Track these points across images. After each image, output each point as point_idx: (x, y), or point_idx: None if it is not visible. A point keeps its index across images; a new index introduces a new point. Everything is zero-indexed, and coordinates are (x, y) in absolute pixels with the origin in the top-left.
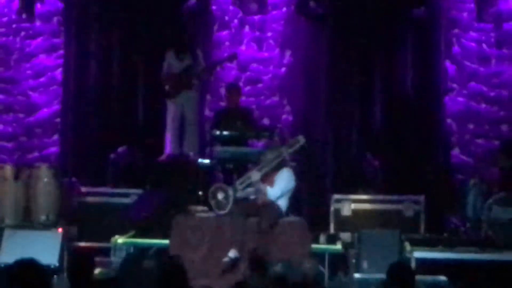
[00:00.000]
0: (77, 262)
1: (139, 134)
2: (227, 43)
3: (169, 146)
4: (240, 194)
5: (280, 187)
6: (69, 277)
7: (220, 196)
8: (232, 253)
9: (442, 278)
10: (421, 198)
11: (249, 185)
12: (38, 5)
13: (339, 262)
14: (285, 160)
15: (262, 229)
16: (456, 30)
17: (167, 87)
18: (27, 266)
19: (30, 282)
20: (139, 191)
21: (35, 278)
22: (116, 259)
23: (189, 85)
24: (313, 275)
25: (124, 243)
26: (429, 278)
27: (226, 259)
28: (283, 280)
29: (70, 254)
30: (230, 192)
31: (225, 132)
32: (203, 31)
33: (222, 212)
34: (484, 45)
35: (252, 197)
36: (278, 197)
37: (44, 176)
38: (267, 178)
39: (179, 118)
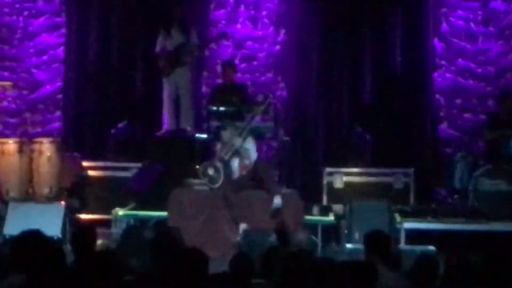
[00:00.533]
0: (80, 234)
1: (138, 109)
2: (223, 22)
3: (166, 122)
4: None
5: (254, 149)
6: (73, 248)
7: (211, 171)
8: (243, 227)
9: (431, 247)
10: (411, 170)
11: (234, 153)
12: None
13: (331, 233)
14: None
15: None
16: (444, 9)
17: (161, 65)
18: (32, 238)
19: (35, 253)
20: (138, 165)
21: (40, 249)
22: (117, 230)
23: (182, 62)
24: (306, 245)
25: (124, 215)
26: (418, 247)
27: (238, 238)
28: (277, 249)
29: (72, 226)
30: (219, 164)
31: (221, 108)
32: (200, 10)
33: (216, 185)
34: (471, 23)
35: (238, 170)
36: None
37: (47, 151)
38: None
39: (174, 95)
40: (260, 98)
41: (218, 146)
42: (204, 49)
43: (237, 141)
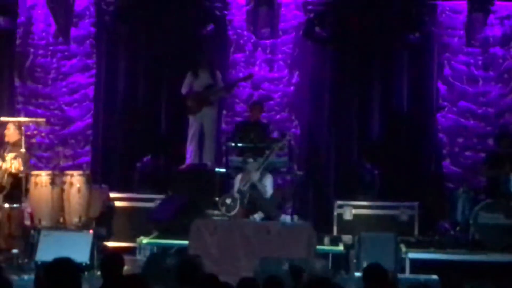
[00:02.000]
0: (109, 260)
1: (162, 145)
2: (242, 64)
3: (189, 157)
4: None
5: (271, 186)
6: (102, 274)
7: (228, 201)
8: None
9: (434, 277)
10: (415, 204)
11: (251, 185)
12: (73, 30)
13: (341, 262)
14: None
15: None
16: (447, 54)
17: (189, 104)
18: (63, 264)
19: (65, 279)
20: (162, 196)
21: (69, 275)
22: (141, 257)
23: (209, 102)
24: (323, 273)
25: (148, 243)
26: (422, 277)
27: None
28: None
29: (99, 253)
30: (236, 195)
31: (239, 144)
32: (221, 53)
33: (232, 213)
34: (472, 68)
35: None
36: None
37: (77, 183)
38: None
39: (199, 132)
40: (276, 134)
41: (238, 178)
42: (232, 90)
43: (255, 176)
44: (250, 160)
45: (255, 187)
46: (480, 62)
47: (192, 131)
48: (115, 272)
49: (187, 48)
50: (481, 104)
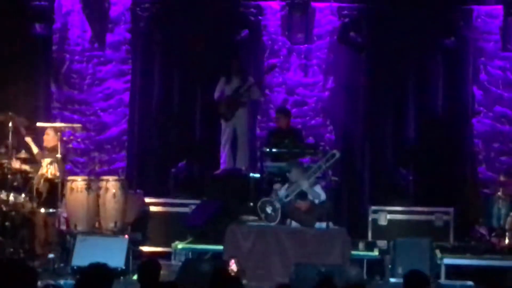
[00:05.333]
0: (146, 265)
1: (197, 150)
2: (276, 70)
3: (223, 162)
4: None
5: (323, 192)
6: (139, 279)
7: (268, 209)
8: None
9: (470, 283)
10: (451, 209)
11: (299, 193)
12: (108, 35)
13: (376, 267)
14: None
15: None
16: (482, 59)
17: (221, 110)
18: (98, 270)
19: (100, 284)
20: (197, 201)
21: (104, 280)
22: (176, 262)
23: (241, 103)
24: (357, 280)
25: (183, 248)
26: (457, 283)
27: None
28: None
29: (135, 258)
30: (277, 205)
31: (274, 150)
32: (255, 58)
33: (273, 223)
34: (508, 72)
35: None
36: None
37: (113, 188)
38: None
39: (232, 137)
40: (311, 140)
41: (277, 185)
42: (260, 85)
43: (304, 184)
44: (295, 164)
45: (305, 195)
46: None
47: (225, 136)
48: (152, 278)
49: (222, 53)
50: None
